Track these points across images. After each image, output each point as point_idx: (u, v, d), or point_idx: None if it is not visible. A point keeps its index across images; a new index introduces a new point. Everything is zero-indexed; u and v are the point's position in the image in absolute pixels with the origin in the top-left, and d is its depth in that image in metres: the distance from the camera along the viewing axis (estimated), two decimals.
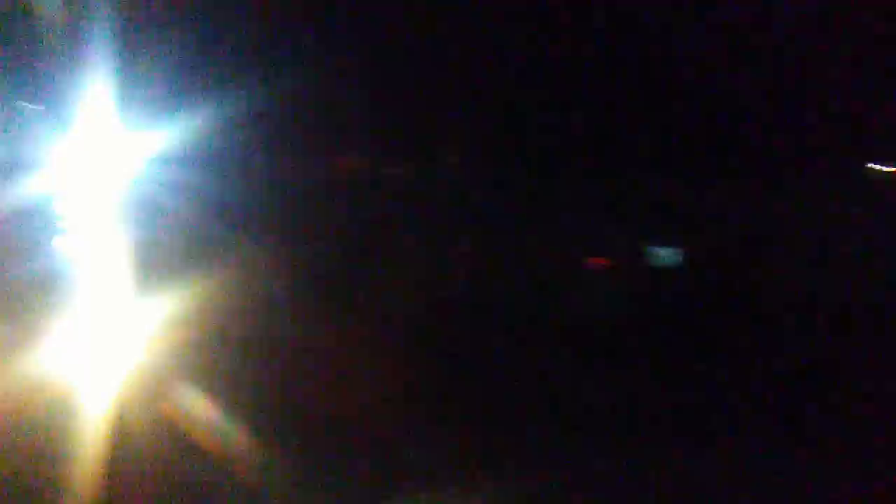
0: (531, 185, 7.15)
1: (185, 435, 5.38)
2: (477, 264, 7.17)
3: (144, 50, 6.32)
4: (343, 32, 6.95)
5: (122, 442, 5.15)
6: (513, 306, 7.00)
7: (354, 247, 6.95)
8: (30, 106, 6.30)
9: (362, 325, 6.49)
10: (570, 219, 7.17)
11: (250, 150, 6.71)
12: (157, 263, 5.99)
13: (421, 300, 6.91)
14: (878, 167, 7.21)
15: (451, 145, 7.28)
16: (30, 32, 6.18)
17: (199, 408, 5.49)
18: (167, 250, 6.13)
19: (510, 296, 7.05)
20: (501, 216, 7.16)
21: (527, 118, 7.14)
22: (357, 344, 6.31)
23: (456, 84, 7.05)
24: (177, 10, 6.54)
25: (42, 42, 6.17)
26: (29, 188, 5.93)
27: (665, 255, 7.25)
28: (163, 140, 6.25)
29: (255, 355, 6.02)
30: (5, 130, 6.12)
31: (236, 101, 6.43)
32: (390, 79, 7.03)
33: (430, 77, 7.03)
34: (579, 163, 7.19)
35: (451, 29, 6.94)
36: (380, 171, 7.31)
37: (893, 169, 7.19)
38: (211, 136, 6.32)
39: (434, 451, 5.82)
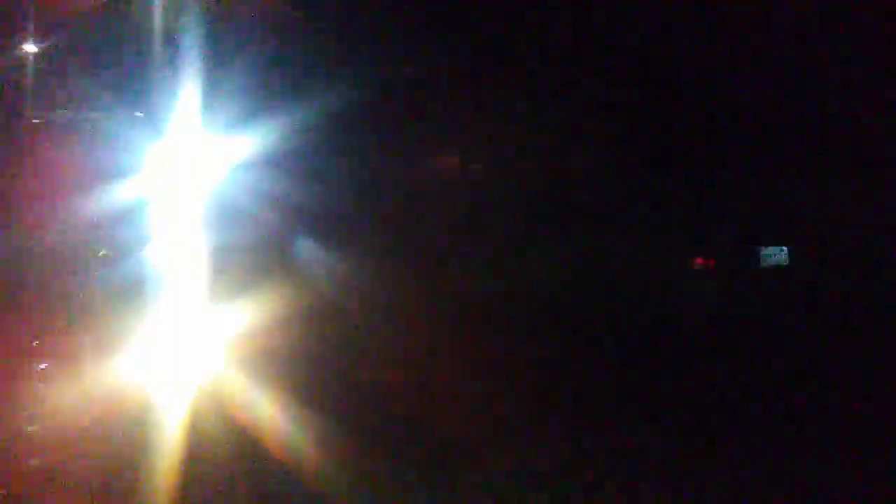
0: (637, 183, 6.96)
1: (261, 445, 5.42)
2: (578, 265, 6.92)
3: (235, 57, 6.36)
4: (434, 29, 6.81)
5: (199, 451, 5.23)
6: (617, 308, 6.81)
7: (448, 250, 6.80)
8: (125, 112, 6.40)
9: (453, 332, 6.35)
10: (676, 218, 6.97)
11: (339, 155, 6.63)
12: (243, 271, 6.00)
13: (518, 300, 6.74)
14: None
15: (557, 145, 7.02)
16: (125, 40, 6.29)
17: (276, 418, 5.50)
18: (254, 258, 6.12)
19: (614, 297, 6.85)
20: (605, 215, 6.97)
21: (633, 117, 6.91)
22: (445, 352, 6.20)
23: (563, 81, 6.86)
24: (267, 16, 6.54)
25: (137, 50, 6.28)
26: (123, 195, 5.94)
27: (773, 254, 6.82)
28: (255, 147, 6.22)
29: (339, 366, 6.00)
30: (100, 137, 6.23)
31: (326, 106, 6.37)
32: (494, 72, 6.84)
33: (536, 70, 6.85)
34: (686, 161, 6.99)
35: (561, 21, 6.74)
36: (476, 171, 7.10)
37: None
38: (301, 143, 6.31)
39: (534, 458, 5.71)
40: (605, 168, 6.93)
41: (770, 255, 7.01)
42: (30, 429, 5.58)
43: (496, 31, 6.79)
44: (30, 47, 6.07)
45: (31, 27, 6.09)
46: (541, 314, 6.69)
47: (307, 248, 6.29)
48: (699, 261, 7.08)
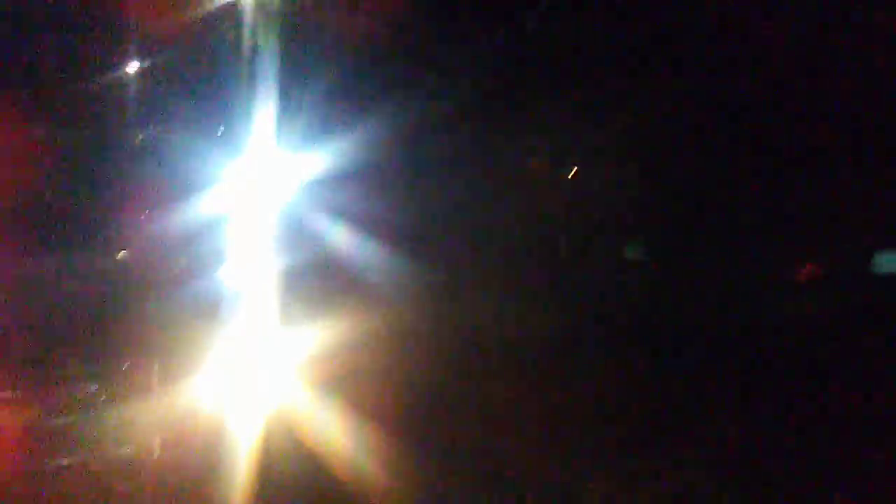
0: (738, 186, 6.54)
1: (338, 474, 5.33)
2: (676, 275, 6.60)
3: (315, 72, 6.27)
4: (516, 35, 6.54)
5: (268, 474, 5.19)
6: (718, 321, 6.39)
7: (535, 264, 6.52)
8: (204, 130, 6.41)
9: (534, 355, 6.09)
10: (782, 223, 6.50)
11: (418, 169, 6.45)
12: (320, 290, 5.92)
13: (617, 314, 6.44)
14: None
15: (654, 145, 6.65)
16: (204, 59, 6.30)
17: (354, 446, 5.39)
18: (331, 277, 6.02)
19: (714, 309, 6.45)
20: (704, 221, 6.59)
21: (734, 115, 6.52)
22: (523, 376, 5.97)
23: (653, 79, 6.48)
24: (343, 31, 6.42)
25: (216, 68, 6.28)
26: (197, 213, 5.92)
27: (890, 260, 6.30)
28: (334, 164, 6.12)
29: (412, 391, 5.80)
30: (175, 155, 6.26)
31: (405, 120, 6.23)
32: (578, 70, 6.53)
33: (624, 64, 6.50)
34: (790, 158, 6.49)
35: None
36: (567, 181, 6.78)
37: None
38: (380, 159, 6.17)
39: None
40: (703, 170, 6.55)
41: (887, 261, 6.43)
42: (123, 451, 5.64)
43: (586, 30, 6.48)
44: (118, 70, 6.17)
45: (115, 49, 6.19)
46: (641, 329, 6.40)
47: (386, 267, 6.13)
48: (807, 268, 6.59)
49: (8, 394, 5.64)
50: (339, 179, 6.10)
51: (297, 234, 6.03)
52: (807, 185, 6.44)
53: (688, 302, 6.45)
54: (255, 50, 6.11)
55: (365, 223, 6.11)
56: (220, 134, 6.24)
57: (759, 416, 6.05)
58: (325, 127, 6.15)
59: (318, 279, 5.94)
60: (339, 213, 6.09)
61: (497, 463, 5.59)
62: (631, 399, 6.05)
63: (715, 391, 6.12)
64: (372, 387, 5.63)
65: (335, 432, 5.45)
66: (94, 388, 5.77)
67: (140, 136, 6.21)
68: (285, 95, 6.01)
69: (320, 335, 5.74)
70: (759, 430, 5.97)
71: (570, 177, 6.75)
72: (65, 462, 5.55)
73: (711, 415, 6.06)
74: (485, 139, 6.43)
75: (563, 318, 6.22)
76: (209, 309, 5.70)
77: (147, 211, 6.03)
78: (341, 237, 6.06)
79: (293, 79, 6.05)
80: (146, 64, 6.12)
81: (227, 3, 6.06)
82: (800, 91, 6.37)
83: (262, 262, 5.95)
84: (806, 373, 6.14)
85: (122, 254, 6.01)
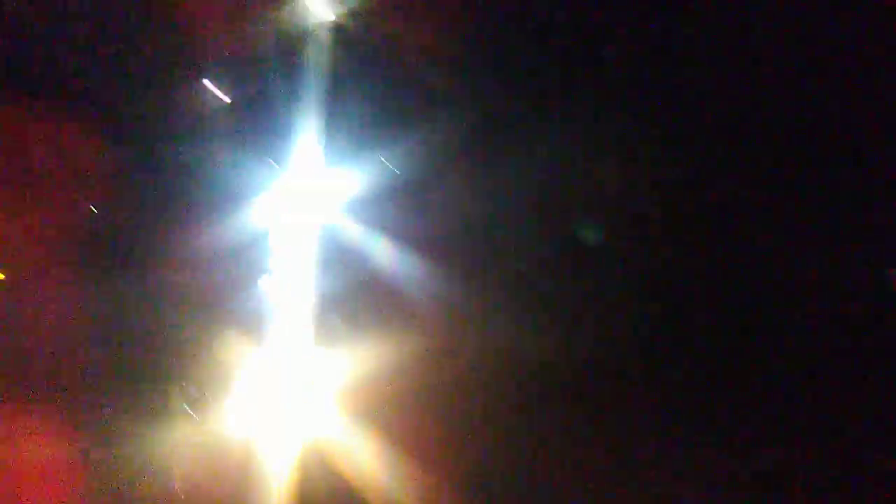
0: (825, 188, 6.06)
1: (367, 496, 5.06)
2: (755, 280, 6.15)
3: (356, 89, 6.10)
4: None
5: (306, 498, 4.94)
6: (805, 324, 6.00)
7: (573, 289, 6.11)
8: (250, 146, 6.26)
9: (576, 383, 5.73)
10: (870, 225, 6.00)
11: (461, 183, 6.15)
12: (357, 309, 5.72)
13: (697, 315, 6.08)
14: None
15: (731, 146, 6.23)
16: (249, 77, 6.20)
17: (385, 469, 5.12)
18: (368, 295, 5.79)
19: (802, 313, 6.03)
20: (784, 222, 6.13)
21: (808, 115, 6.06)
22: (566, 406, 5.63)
23: (730, 72, 6.13)
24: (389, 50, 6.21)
25: (261, 85, 6.17)
26: (238, 227, 5.87)
27: None
28: (374, 180, 6.01)
29: (460, 417, 5.53)
30: (216, 167, 6.13)
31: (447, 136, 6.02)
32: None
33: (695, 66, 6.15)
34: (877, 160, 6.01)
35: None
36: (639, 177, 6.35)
37: None
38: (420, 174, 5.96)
39: None
40: (788, 172, 6.12)
41: None
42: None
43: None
44: (167, 88, 6.10)
45: (164, 69, 6.10)
46: (724, 327, 6.06)
47: (429, 285, 5.81)
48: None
49: (40, 421, 5.47)
50: (383, 196, 5.97)
51: (342, 251, 5.85)
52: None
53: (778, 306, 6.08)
54: (302, 68, 6.08)
55: (409, 240, 5.87)
56: (267, 151, 6.16)
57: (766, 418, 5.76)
58: (369, 144, 6.05)
59: (361, 297, 5.69)
60: (384, 230, 5.90)
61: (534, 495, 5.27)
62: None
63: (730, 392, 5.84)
64: (409, 415, 5.34)
65: (372, 463, 5.20)
66: (133, 415, 5.58)
67: (190, 153, 6.09)
68: (332, 113, 5.97)
69: (361, 357, 5.47)
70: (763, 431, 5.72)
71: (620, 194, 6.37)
72: (100, 492, 5.35)
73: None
74: (534, 156, 6.15)
75: (603, 343, 5.86)
76: (251, 328, 5.49)
77: (194, 228, 5.89)
78: (386, 255, 5.82)
79: (340, 97, 6.00)
80: (196, 83, 6.11)
81: (275, 23, 6.06)
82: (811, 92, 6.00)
83: (307, 279, 5.80)
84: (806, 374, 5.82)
85: (168, 271, 5.83)
